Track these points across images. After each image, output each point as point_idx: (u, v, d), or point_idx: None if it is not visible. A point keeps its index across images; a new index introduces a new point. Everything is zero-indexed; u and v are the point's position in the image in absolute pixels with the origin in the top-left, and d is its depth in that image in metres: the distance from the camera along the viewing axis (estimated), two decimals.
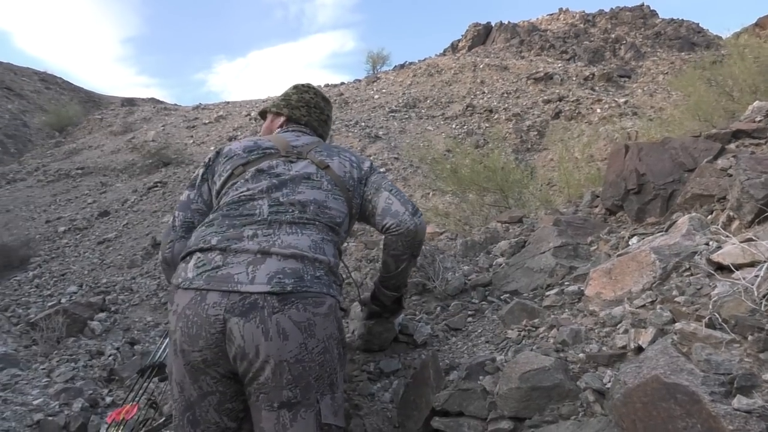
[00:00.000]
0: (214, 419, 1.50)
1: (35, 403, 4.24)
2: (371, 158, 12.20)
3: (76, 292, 8.28)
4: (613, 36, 22.46)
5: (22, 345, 6.82)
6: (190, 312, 1.42)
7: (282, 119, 2.07)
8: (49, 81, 27.58)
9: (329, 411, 1.43)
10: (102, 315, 6.92)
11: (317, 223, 1.60)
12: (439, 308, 2.41)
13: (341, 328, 1.53)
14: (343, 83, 20.74)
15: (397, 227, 1.75)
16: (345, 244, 2.11)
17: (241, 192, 1.67)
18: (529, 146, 13.14)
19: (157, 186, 12.27)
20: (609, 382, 1.48)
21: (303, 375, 1.38)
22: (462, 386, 1.66)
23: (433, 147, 12.18)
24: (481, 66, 17.59)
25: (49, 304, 7.90)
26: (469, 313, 2.30)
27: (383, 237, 1.83)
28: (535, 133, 13.52)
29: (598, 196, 3.00)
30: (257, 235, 1.51)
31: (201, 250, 1.52)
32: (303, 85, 2.16)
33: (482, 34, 25.81)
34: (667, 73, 17.85)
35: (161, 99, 28.09)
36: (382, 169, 2.02)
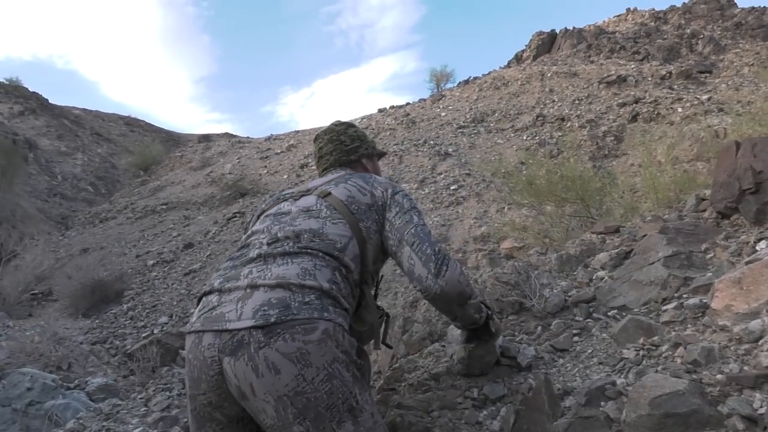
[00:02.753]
0: None
1: None
2: (442, 175, 12.10)
3: (167, 323, 8.65)
4: (688, 31, 21.37)
5: (121, 375, 7.16)
6: (191, 356, 1.42)
7: None
8: (132, 124, 29.52)
9: None
10: None
11: (311, 250, 1.53)
12: (540, 328, 2.26)
13: (348, 351, 1.41)
14: (408, 103, 20.83)
15: (425, 294, 1.66)
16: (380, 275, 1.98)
17: (248, 235, 1.69)
18: (607, 153, 12.61)
19: (235, 216, 12.70)
20: (762, 407, 1.30)
21: (309, 406, 1.30)
22: (582, 413, 1.52)
23: (504, 160, 11.94)
24: (548, 74, 17.18)
25: (143, 335, 8.28)
26: (574, 332, 2.14)
27: None
28: (612, 138, 12.97)
29: (704, 199, 2.76)
30: (252, 272, 1.49)
31: (205, 294, 1.54)
32: (317, 136, 2.12)
33: (547, 42, 25.25)
34: (752, 64, 16.72)
35: (234, 133, 29.35)
36: (408, 195, 1.81)
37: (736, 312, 1.66)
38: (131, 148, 24.68)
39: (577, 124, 13.75)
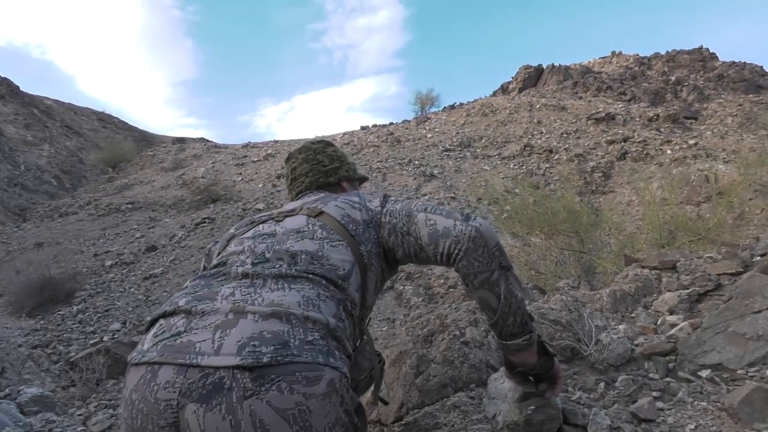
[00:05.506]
0: None
1: None
2: (426, 197, 11.68)
3: (119, 330, 7.88)
4: (672, 78, 21.66)
5: (60, 386, 6.39)
6: (136, 396, 1.05)
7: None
8: (106, 120, 28.53)
9: None
10: None
11: (312, 275, 1.23)
12: (602, 384, 1.74)
13: (350, 410, 1.10)
14: (392, 123, 20.47)
15: (456, 245, 1.32)
16: (372, 311, 1.54)
17: (223, 254, 1.39)
18: (594, 188, 12.38)
19: (205, 222, 11.99)
20: None
21: None
22: None
23: (491, 187, 11.59)
24: (537, 106, 17.04)
25: (92, 341, 7.51)
26: (654, 394, 1.63)
27: (456, 272, 1.37)
28: (600, 174, 12.77)
29: None
30: (234, 294, 1.15)
31: (164, 316, 1.16)
32: (289, 155, 1.87)
33: (533, 77, 25.40)
34: (736, 115, 16.91)
35: (209, 139, 28.58)
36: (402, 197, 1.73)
37: None
38: (102, 144, 23.69)
39: (565, 157, 13.53)
